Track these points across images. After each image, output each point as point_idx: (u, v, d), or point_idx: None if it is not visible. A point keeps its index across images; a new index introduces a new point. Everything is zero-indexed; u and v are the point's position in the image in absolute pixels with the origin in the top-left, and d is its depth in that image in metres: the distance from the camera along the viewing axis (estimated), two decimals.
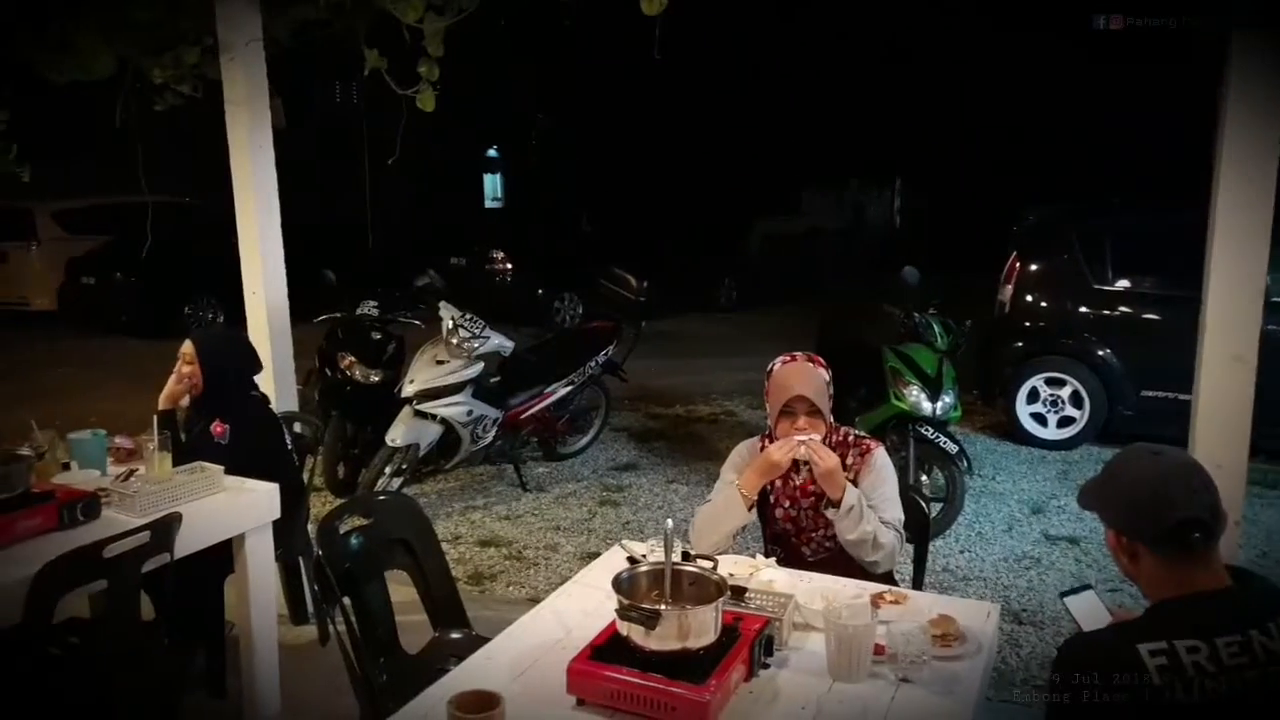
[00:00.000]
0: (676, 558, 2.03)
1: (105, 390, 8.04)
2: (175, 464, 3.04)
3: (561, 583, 3.92)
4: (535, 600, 3.93)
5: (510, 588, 4.27)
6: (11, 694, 2.56)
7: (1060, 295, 6.33)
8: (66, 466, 3.10)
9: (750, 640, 1.92)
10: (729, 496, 2.59)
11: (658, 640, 1.80)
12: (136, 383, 3.72)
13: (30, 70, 3.89)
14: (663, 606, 1.86)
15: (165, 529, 2.67)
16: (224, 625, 3.33)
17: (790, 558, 2.63)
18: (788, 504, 2.67)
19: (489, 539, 4.82)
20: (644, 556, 2.36)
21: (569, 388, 5.80)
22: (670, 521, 2.02)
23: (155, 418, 3.26)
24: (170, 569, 2.74)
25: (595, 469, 5.94)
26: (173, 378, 3.40)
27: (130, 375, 8.27)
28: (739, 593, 2.12)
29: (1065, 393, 6.17)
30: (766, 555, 2.54)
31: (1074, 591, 1.95)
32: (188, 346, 3.39)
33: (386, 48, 3.77)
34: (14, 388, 6.96)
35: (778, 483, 2.65)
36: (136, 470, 3.05)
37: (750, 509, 2.58)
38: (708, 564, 2.03)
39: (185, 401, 3.43)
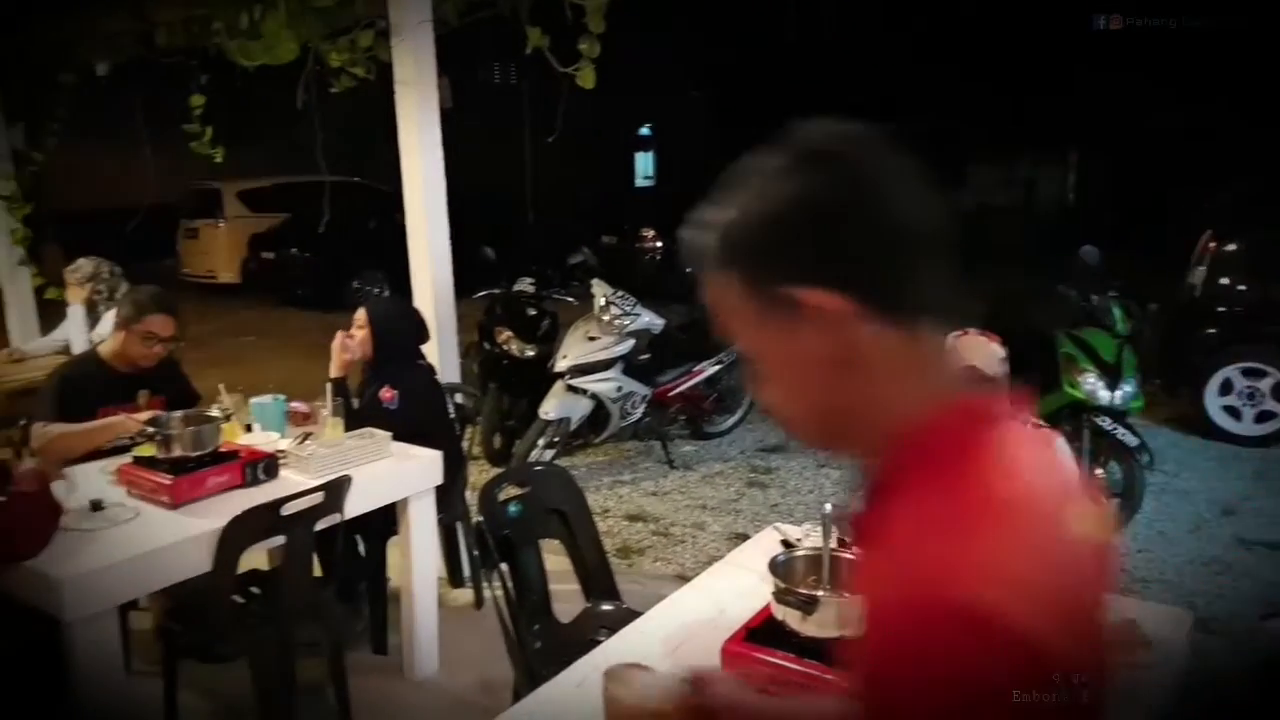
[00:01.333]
0: (834, 544, 1.96)
1: (282, 358, 8.59)
2: (346, 429, 3.20)
3: (709, 561, 3.92)
4: (682, 577, 3.95)
5: (657, 563, 4.29)
6: (203, 634, 2.76)
7: (1262, 278, 5.78)
8: (249, 428, 3.31)
9: None
10: None
11: (815, 626, 1.75)
12: (309, 352, 3.98)
13: (222, 57, 4.16)
14: (821, 593, 1.81)
15: (337, 490, 2.81)
16: (386, 584, 3.49)
17: None
18: None
19: (636, 514, 4.86)
20: (799, 541, 2.31)
21: (718, 366, 5.77)
22: (829, 506, 1.95)
23: (329, 385, 3.43)
24: (340, 528, 2.89)
25: (743, 449, 5.88)
26: (337, 344, 3.55)
27: (304, 345, 8.79)
28: None
29: (1265, 385, 5.64)
30: None
31: (1276, 615, 1.76)
32: (361, 314, 3.55)
33: (548, 25, 3.81)
34: (204, 354, 7.53)
35: None
36: (311, 434, 3.23)
37: None
38: None
39: (354, 357, 3.57)
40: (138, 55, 4.44)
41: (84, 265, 4.85)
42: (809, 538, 2.31)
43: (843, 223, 0.83)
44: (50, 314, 5.56)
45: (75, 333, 4.83)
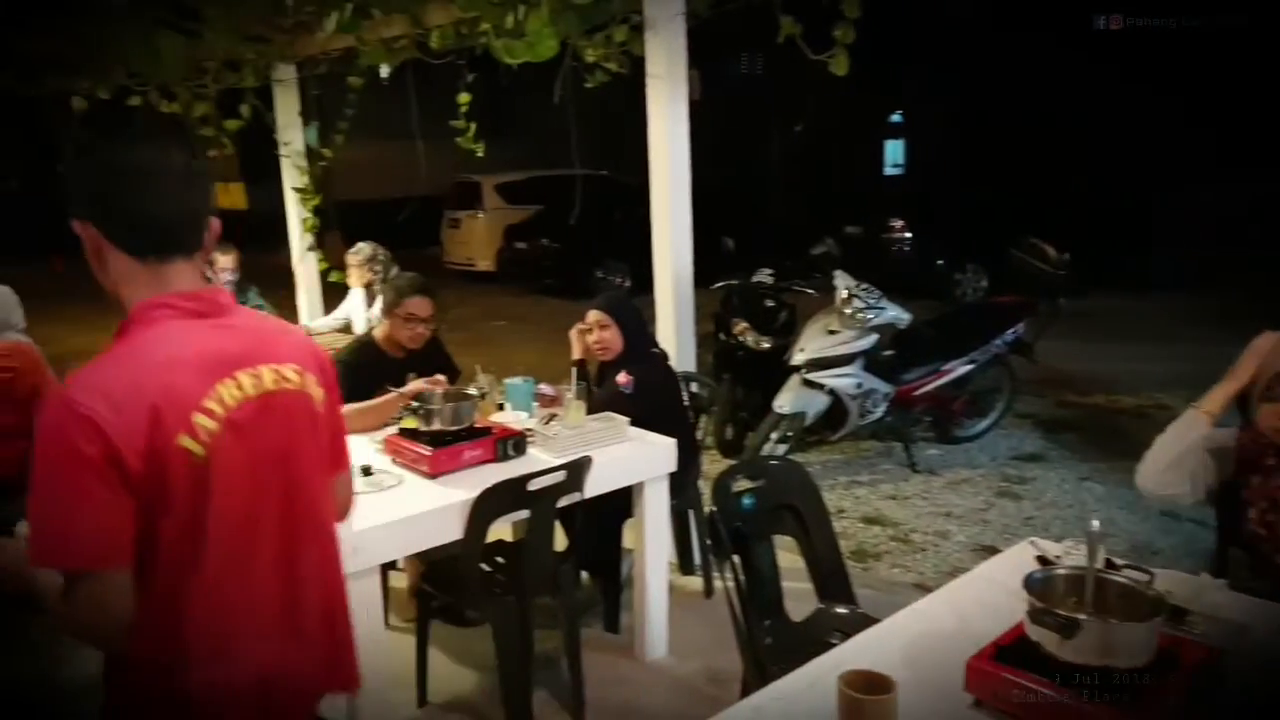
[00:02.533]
0: (1099, 564, 1.78)
1: (531, 342, 9.04)
2: (588, 412, 3.30)
3: (952, 572, 3.71)
4: (922, 586, 3.77)
5: (895, 569, 4.12)
6: (453, 599, 2.95)
7: None
8: (501, 407, 3.49)
9: (1191, 670, 1.64)
10: (1186, 417, 2.40)
11: (1075, 652, 1.59)
12: (556, 337, 4.17)
13: (486, 57, 4.41)
14: (1083, 616, 1.65)
15: (579, 470, 2.90)
16: (621, 565, 3.58)
17: (1260, 567, 2.24)
18: (1264, 505, 2.27)
19: (874, 517, 4.69)
20: (1057, 558, 2.12)
21: (969, 366, 5.44)
22: (1096, 523, 1.77)
23: (574, 369, 3.56)
24: (580, 506, 2.98)
25: (994, 456, 5.53)
26: (574, 333, 3.67)
27: (551, 330, 9.17)
28: (1179, 615, 1.82)
29: None
30: (1215, 574, 2.16)
31: None
32: (599, 314, 3.59)
33: (800, 12, 3.74)
34: (463, 336, 8.09)
35: (1255, 480, 2.30)
36: (556, 415, 3.36)
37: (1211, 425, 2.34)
38: (1142, 577, 1.75)
39: (609, 357, 3.67)
40: (413, 58, 4.80)
41: (364, 248, 5.37)
42: (1069, 556, 2.12)
43: (89, 183, 1.42)
44: (331, 295, 6.18)
45: (356, 312, 5.32)
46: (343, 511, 1.79)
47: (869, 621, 2.13)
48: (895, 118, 21.04)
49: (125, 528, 1.33)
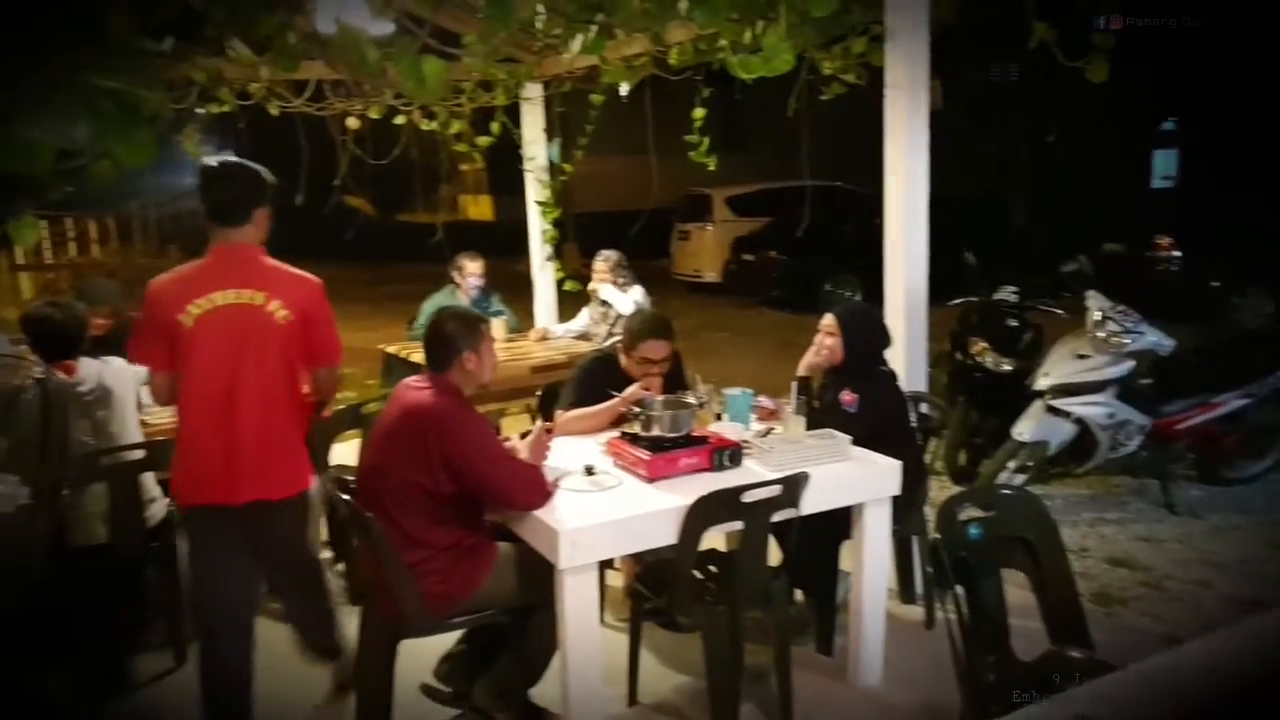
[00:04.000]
0: None
1: (752, 354, 9.04)
2: (807, 428, 3.25)
3: (1211, 626, 3.33)
4: (1174, 639, 3.41)
5: (1144, 618, 3.75)
6: (666, 602, 3.00)
7: None
8: (719, 417, 3.51)
9: None
10: None
11: None
12: (778, 350, 4.16)
13: (721, 72, 4.45)
14: None
15: (795, 486, 2.87)
16: (837, 587, 3.49)
17: None
18: None
19: (1121, 559, 4.29)
20: None
21: (1245, 400, 4.87)
22: None
23: (794, 383, 3.52)
24: (795, 523, 2.94)
25: (1273, 502, 4.91)
26: (812, 349, 3.62)
27: (774, 343, 9.17)
28: None
29: None
30: None
31: None
32: (830, 320, 3.56)
33: (1055, 16, 3.52)
34: (686, 346, 8.15)
35: None
36: (773, 429, 3.33)
37: None
38: None
39: (826, 363, 3.61)
40: (651, 75, 4.94)
41: (611, 255, 5.64)
42: None
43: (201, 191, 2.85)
44: (565, 302, 6.47)
45: (624, 306, 5.51)
46: (324, 394, 2.98)
47: (1106, 669, 1.94)
48: (1167, 125, 19.24)
49: (161, 352, 2.73)
